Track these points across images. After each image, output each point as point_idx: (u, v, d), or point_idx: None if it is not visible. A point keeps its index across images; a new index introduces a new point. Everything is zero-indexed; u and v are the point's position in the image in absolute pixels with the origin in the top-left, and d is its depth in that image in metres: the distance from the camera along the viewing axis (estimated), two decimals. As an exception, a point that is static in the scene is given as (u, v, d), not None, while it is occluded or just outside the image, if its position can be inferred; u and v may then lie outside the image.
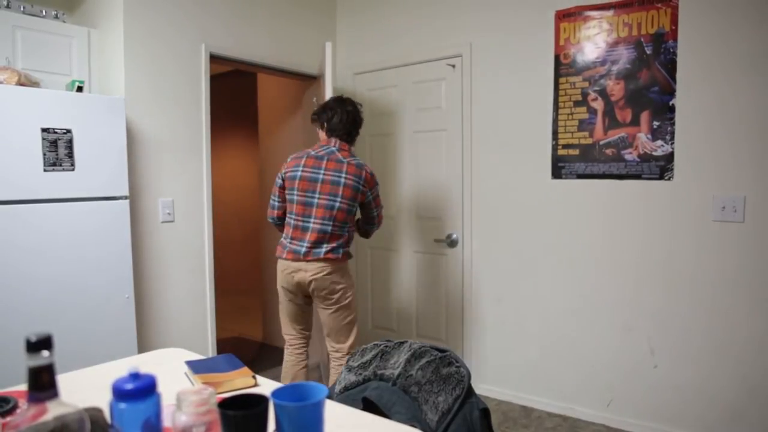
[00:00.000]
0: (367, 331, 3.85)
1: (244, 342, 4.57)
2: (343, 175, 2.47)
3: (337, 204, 2.46)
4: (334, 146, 2.54)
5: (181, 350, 1.60)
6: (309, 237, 2.46)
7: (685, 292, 2.59)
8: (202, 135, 3.04)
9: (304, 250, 2.46)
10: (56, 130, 2.27)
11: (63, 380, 1.33)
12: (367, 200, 2.57)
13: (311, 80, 3.67)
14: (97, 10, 2.79)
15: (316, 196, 2.46)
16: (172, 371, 1.42)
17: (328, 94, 2.97)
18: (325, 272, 2.46)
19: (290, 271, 2.49)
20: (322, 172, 2.47)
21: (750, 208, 2.42)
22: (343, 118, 2.55)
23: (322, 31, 3.78)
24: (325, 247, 2.46)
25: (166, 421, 0.85)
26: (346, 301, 2.56)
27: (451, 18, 3.28)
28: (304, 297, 2.58)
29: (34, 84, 2.35)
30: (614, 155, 2.76)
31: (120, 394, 0.77)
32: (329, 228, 2.46)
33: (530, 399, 3.09)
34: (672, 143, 2.59)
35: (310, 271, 2.46)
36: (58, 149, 2.28)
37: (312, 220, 2.46)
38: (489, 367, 3.25)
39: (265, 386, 1.33)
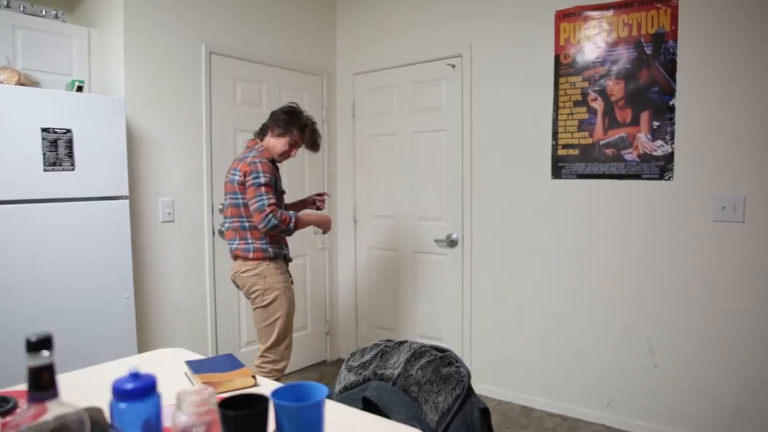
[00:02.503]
0: (367, 331, 3.85)
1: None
2: (233, 172, 2.51)
3: (228, 201, 2.52)
4: (247, 146, 2.61)
5: (181, 350, 1.60)
6: (226, 236, 2.59)
7: (685, 292, 2.59)
8: (203, 135, 3.04)
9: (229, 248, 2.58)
10: (56, 130, 2.27)
11: (63, 380, 1.33)
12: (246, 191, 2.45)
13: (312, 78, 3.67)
14: (97, 9, 2.79)
15: (225, 197, 2.58)
16: (172, 371, 1.42)
17: None
18: (241, 270, 2.50)
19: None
20: (229, 174, 2.55)
21: (750, 208, 2.42)
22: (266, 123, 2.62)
23: (322, 30, 3.78)
24: (234, 244, 2.52)
25: (166, 421, 0.85)
26: (264, 304, 2.48)
27: (451, 18, 3.28)
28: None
29: (34, 84, 2.35)
30: (614, 155, 2.76)
31: (120, 394, 0.77)
32: (233, 224, 2.51)
33: (530, 399, 3.09)
34: (672, 143, 2.59)
35: (233, 269, 2.55)
36: (58, 149, 2.28)
37: (225, 221, 2.58)
38: (489, 367, 3.25)
39: (265, 386, 1.33)
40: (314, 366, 3.80)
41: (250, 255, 2.46)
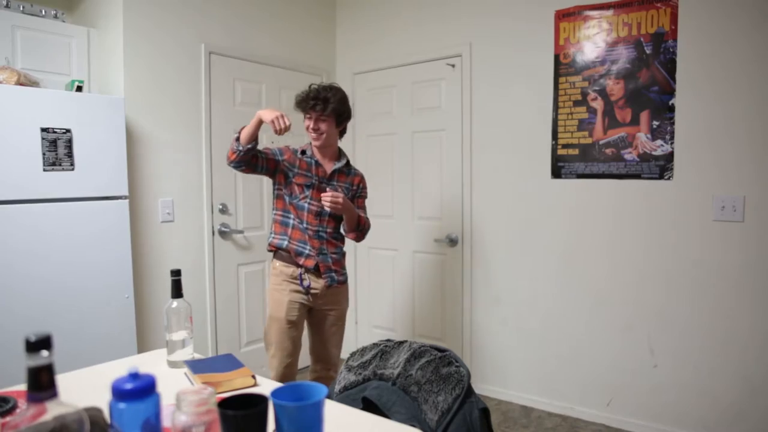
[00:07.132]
0: (367, 331, 3.85)
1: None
2: None
3: None
4: None
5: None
6: None
7: (685, 292, 2.59)
8: (202, 134, 3.04)
9: None
10: (56, 130, 2.27)
11: (62, 380, 1.33)
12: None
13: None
14: (97, 9, 2.79)
15: None
16: (172, 371, 1.42)
17: None
18: None
19: None
20: None
21: (749, 207, 2.42)
22: None
23: (322, 30, 3.78)
24: None
25: (166, 421, 0.85)
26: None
27: (451, 18, 3.28)
28: None
29: (34, 84, 2.35)
30: (614, 155, 2.76)
31: (119, 394, 0.77)
32: None
33: (530, 399, 3.09)
34: (672, 143, 2.59)
35: None
36: (58, 149, 2.28)
37: None
38: (489, 366, 3.25)
39: (265, 386, 1.33)
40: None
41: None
